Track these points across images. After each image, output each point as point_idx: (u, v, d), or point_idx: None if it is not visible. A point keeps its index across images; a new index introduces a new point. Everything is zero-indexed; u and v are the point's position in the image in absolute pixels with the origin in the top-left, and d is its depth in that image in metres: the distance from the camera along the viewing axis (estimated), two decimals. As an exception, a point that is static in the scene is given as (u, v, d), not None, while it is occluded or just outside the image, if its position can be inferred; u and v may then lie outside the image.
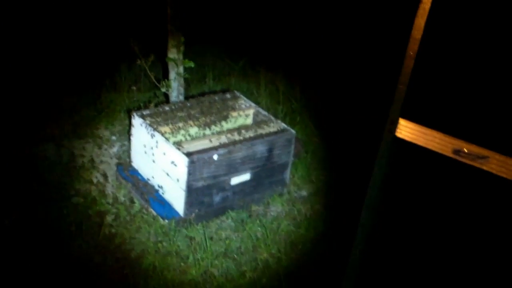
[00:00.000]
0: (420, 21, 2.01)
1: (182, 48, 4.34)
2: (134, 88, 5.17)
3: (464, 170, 2.07)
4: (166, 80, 4.44)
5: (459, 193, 2.16)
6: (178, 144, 3.69)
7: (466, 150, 2.05)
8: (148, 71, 4.45)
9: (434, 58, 2.07)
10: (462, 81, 2.04)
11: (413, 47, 2.07)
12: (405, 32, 2.13)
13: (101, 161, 4.28)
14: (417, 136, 2.16)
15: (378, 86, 4.42)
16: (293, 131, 3.97)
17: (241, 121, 4.18)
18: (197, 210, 3.68)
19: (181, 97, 4.54)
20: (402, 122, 2.17)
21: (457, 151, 2.07)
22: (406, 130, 2.18)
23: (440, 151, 2.11)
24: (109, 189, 4.00)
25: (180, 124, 3.89)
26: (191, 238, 3.61)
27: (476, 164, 2.04)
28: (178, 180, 3.61)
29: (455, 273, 2.27)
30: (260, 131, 3.90)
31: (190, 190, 3.58)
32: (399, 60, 2.15)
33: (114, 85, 5.25)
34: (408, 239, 2.36)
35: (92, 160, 4.27)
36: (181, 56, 4.37)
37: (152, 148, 3.79)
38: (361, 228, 2.45)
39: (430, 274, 2.34)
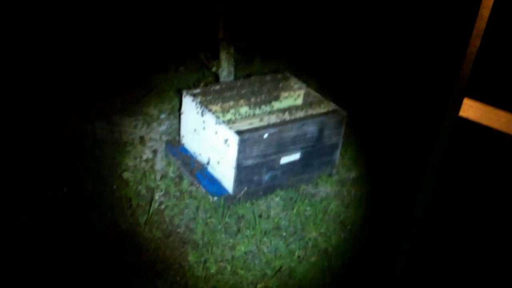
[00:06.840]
0: (489, -1, 1.98)
1: (233, 29, 4.34)
2: (182, 68, 5.22)
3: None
4: (216, 60, 4.46)
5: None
6: (228, 123, 3.70)
7: (534, 131, 2.01)
8: (199, 51, 4.47)
9: (500, 37, 2.03)
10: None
11: (480, 25, 2.04)
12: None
13: (151, 138, 4.35)
14: (482, 116, 2.12)
15: (432, 66, 4.35)
16: (344, 112, 3.95)
17: (291, 101, 4.18)
18: (246, 188, 3.70)
19: (231, 77, 4.56)
20: (467, 101, 2.14)
21: (524, 131, 2.03)
22: (470, 109, 2.14)
23: (506, 131, 2.07)
24: (159, 166, 4.06)
25: (231, 103, 3.91)
26: (240, 216, 3.65)
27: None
28: (228, 158, 3.63)
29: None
30: (310, 111, 3.90)
31: (240, 168, 3.61)
32: (461, 40, 2.11)
33: (162, 65, 5.30)
34: (467, 223, 2.33)
35: (141, 138, 4.33)
36: (232, 36, 4.38)
37: (202, 126, 3.83)
38: (417, 211, 2.43)
39: (487, 262, 2.31)
